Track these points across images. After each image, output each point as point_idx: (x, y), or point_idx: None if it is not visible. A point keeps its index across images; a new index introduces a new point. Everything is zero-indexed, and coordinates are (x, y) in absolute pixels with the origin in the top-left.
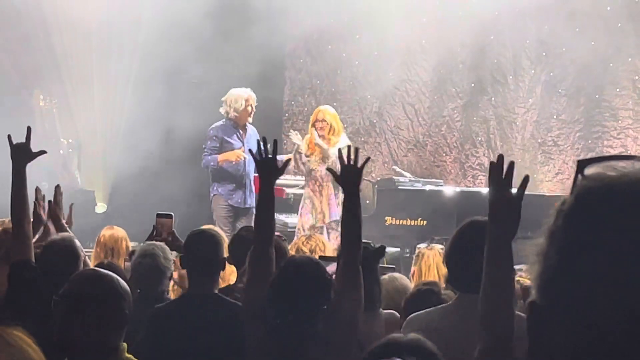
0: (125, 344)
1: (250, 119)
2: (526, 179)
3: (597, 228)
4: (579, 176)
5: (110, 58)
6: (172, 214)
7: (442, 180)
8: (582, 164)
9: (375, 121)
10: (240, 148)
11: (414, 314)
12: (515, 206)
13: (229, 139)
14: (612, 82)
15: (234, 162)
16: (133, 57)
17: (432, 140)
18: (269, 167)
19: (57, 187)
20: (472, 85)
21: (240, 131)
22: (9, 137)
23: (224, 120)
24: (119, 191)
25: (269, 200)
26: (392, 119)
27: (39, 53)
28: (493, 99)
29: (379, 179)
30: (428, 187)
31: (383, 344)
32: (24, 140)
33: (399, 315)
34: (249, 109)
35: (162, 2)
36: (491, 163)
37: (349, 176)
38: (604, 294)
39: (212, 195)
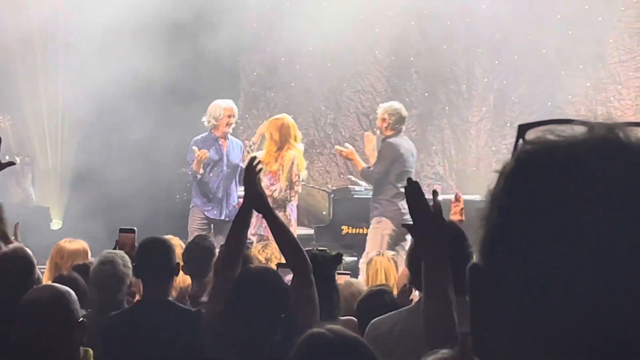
0: (90, 350)
1: (227, 129)
2: (434, 193)
3: (537, 189)
4: (520, 140)
5: (58, 72)
6: (135, 228)
7: None
8: (522, 128)
9: (330, 132)
10: (219, 159)
11: (376, 319)
12: (437, 225)
13: (208, 149)
14: (564, 89)
15: (200, 159)
16: (82, 69)
17: None
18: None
19: None
20: (426, 94)
21: (220, 142)
22: None
23: (206, 132)
24: (74, 207)
25: (247, 214)
26: (347, 130)
27: None
28: (447, 108)
29: (334, 189)
30: None
31: (307, 336)
32: None
33: (357, 320)
34: (227, 119)
35: (109, 13)
36: (405, 189)
37: (255, 201)
38: (542, 255)
39: (190, 207)
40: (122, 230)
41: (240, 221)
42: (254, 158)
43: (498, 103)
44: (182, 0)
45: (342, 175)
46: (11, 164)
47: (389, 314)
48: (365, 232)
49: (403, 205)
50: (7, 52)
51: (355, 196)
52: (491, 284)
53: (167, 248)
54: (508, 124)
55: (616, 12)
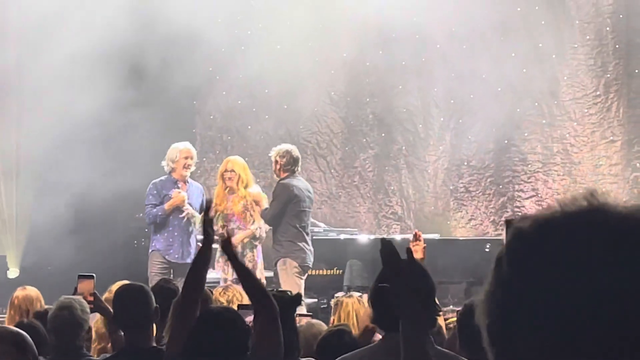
0: None
1: (187, 172)
2: (408, 250)
3: (535, 262)
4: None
5: (11, 120)
6: (94, 274)
7: (356, 229)
8: (509, 222)
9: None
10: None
11: (341, 357)
12: (413, 286)
13: (167, 193)
14: (520, 126)
15: (181, 207)
16: (34, 112)
17: (345, 191)
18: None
19: None
20: (383, 135)
21: (179, 185)
22: None
23: (165, 176)
24: (31, 254)
25: (207, 255)
26: (304, 172)
27: None
28: (404, 147)
29: None
30: (342, 236)
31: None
32: None
33: None
34: (184, 160)
35: (62, 53)
36: (380, 251)
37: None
38: (546, 319)
39: (150, 251)
40: (80, 277)
41: (199, 262)
42: (210, 201)
43: (454, 142)
44: (138, 43)
45: None
46: None
47: (352, 352)
48: (324, 273)
49: (304, 245)
50: None
51: (314, 237)
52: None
53: (145, 294)
54: (465, 163)
55: (569, 50)
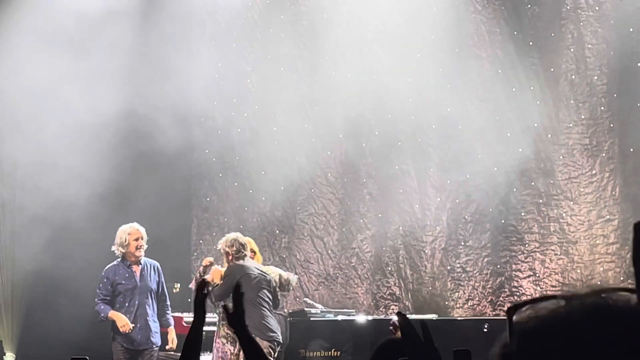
0: None
1: (140, 253)
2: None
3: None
4: (512, 324)
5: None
6: (87, 357)
7: (354, 310)
8: (511, 310)
9: (285, 256)
10: (133, 287)
11: None
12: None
13: (120, 280)
14: (516, 206)
15: (120, 329)
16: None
17: (342, 272)
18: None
19: None
20: (380, 215)
21: (133, 268)
22: None
23: (117, 260)
24: (27, 339)
25: (198, 335)
26: (301, 253)
27: None
28: (401, 228)
29: (290, 311)
30: (340, 317)
31: None
32: None
33: None
34: (134, 242)
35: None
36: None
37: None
38: None
39: (112, 341)
40: (73, 359)
41: (191, 343)
42: (203, 281)
43: (451, 222)
44: (133, 131)
45: (297, 299)
46: None
47: None
48: (322, 354)
49: (267, 322)
50: None
51: (312, 319)
52: None
53: None
54: (462, 243)
55: (564, 129)
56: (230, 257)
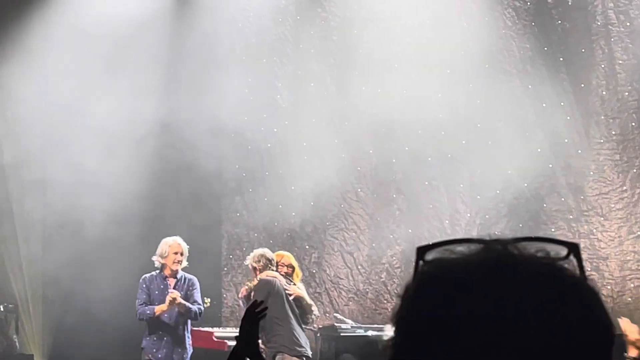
0: None
1: (177, 267)
2: None
3: (437, 309)
4: (420, 262)
5: (34, 219)
6: None
7: (384, 326)
8: (421, 250)
9: (314, 271)
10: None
11: None
12: None
13: (155, 290)
14: (546, 222)
15: (168, 308)
16: (62, 218)
17: (372, 287)
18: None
19: None
20: (410, 231)
21: (169, 281)
22: None
23: (156, 271)
24: (59, 353)
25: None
26: (331, 269)
27: None
28: (431, 243)
29: (320, 327)
30: (371, 333)
31: None
32: None
33: None
34: (173, 255)
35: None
36: None
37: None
38: None
39: (141, 348)
40: None
41: None
42: (255, 302)
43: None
44: (165, 147)
45: (327, 314)
46: None
47: None
48: None
49: (294, 336)
50: None
51: (341, 334)
52: None
53: None
54: None
55: (595, 145)
56: (257, 273)
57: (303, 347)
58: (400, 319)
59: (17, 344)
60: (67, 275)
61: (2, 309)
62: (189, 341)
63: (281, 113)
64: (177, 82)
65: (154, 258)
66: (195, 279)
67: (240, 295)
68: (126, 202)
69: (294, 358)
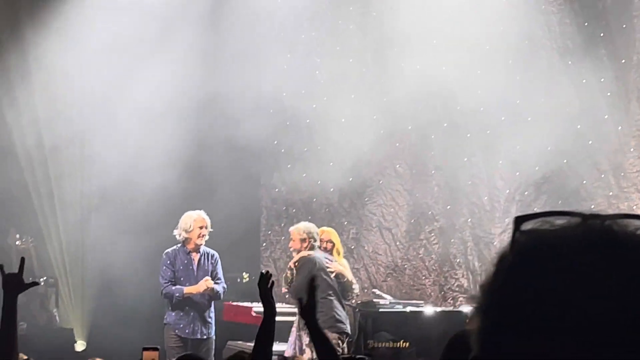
0: None
1: (201, 241)
2: None
3: (536, 282)
4: (517, 233)
5: (74, 195)
6: (158, 347)
7: (422, 302)
8: (519, 220)
9: (352, 247)
10: (190, 275)
11: None
12: None
13: (179, 266)
14: (586, 198)
15: (201, 293)
16: (103, 194)
17: (410, 263)
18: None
19: None
20: (448, 207)
21: (192, 256)
22: (1, 267)
23: (177, 245)
24: (98, 328)
25: (270, 327)
26: (369, 244)
27: (15, 190)
28: (469, 220)
29: (359, 302)
30: (409, 309)
31: None
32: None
33: None
34: (198, 230)
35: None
36: None
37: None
38: (542, 344)
39: (164, 324)
40: (145, 349)
41: (264, 335)
42: (266, 273)
43: (520, 214)
44: (203, 123)
45: (366, 290)
46: (35, 284)
47: None
48: (391, 345)
49: (336, 313)
50: (25, 171)
51: (380, 310)
52: None
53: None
54: None
55: (635, 121)
56: (306, 245)
57: (344, 323)
58: (494, 289)
59: (57, 317)
60: (109, 244)
61: (42, 282)
62: (212, 315)
63: (320, 89)
64: (218, 59)
65: (176, 232)
66: (217, 254)
67: (283, 291)
68: (165, 179)
69: (334, 334)
